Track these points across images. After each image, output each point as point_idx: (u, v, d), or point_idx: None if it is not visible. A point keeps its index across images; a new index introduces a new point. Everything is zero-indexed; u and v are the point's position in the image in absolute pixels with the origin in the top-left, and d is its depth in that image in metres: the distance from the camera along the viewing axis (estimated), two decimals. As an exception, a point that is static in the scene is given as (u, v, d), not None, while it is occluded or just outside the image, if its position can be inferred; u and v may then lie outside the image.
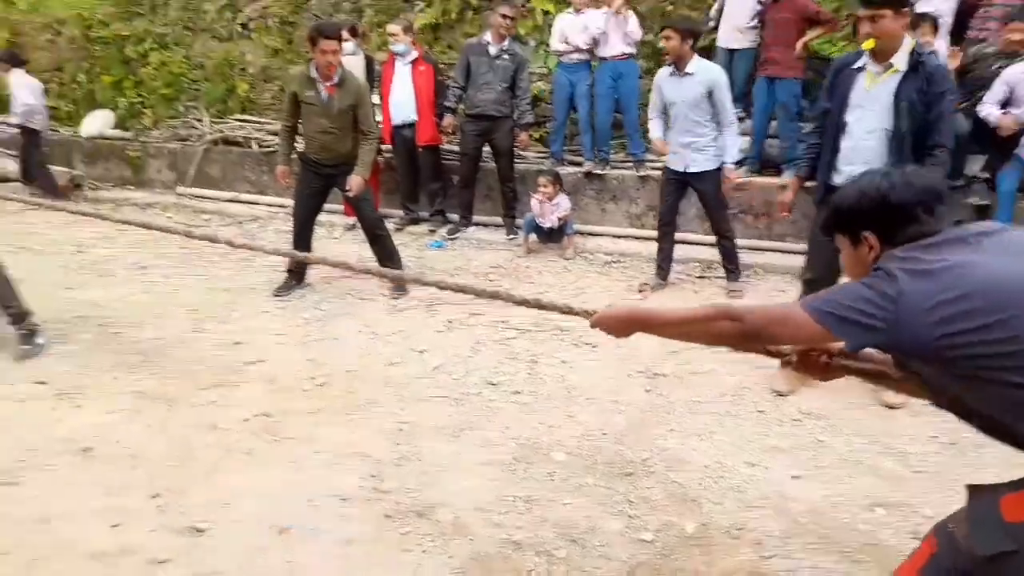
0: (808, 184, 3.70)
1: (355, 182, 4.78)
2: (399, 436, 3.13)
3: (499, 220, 6.33)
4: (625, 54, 6.12)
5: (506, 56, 6.00)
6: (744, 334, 1.58)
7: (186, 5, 8.92)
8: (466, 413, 3.33)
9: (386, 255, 5.03)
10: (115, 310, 4.60)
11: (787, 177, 5.37)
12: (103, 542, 2.46)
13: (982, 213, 4.88)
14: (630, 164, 6.28)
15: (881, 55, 3.20)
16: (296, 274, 5.02)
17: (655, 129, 4.87)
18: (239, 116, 8.21)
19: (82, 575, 2.32)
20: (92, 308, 4.59)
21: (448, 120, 6.24)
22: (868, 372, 1.75)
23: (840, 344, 1.63)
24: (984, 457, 2.77)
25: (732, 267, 4.92)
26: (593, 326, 1.90)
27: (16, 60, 7.61)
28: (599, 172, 6.23)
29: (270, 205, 7.09)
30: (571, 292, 4.94)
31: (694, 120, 4.58)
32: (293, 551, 2.42)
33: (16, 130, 7.50)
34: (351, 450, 3.02)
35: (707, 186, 4.70)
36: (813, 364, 1.79)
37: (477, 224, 6.43)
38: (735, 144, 4.67)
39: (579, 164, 6.37)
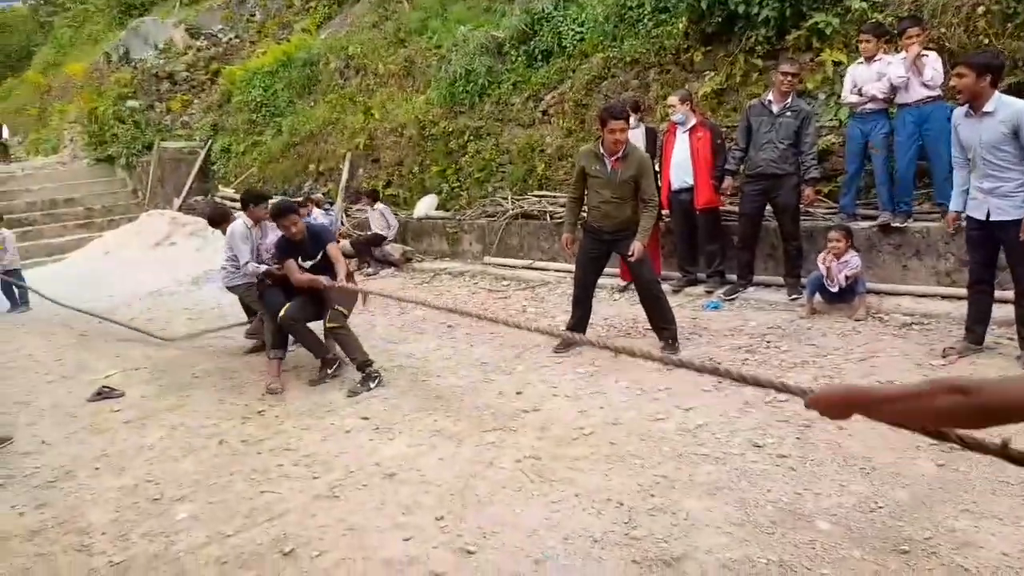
0: None
1: (636, 248, 5.00)
2: (655, 488, 3.19)
3: (781, 280, 6.07)
4: (929, 98, 5.61)
5: (789, 113, 5.86)
6: (974, 409, 1.33)
7: (497, 100, 10.21)
8: (726, 472, 3.27)
9: (660, 316, 5.15)
10: (425, 361, 5.39)
11: None
12: (395, 551, 2.91)
13: None
14: (936, 215, 5.62)
15: None
16: (575, 331, 5.37)
17: (957, 183, 4.41)
18: (536, 192, 9.08)
19: (375, 576, 2.77)
20: (407, 359, 5.44)
21: (727, 182, 6.25)
22: None
23: None
24: None
25: None
26: (808, 407, 1.68)
27: (376, 196, 9.97)
28: (898, 225, 5.68)
29: (558, 271, 7.66)
30: (858, 356, 4.55)
31: (996, 163, 4.03)
32: (544, 581, 2.62)
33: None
34: (607, 496, 3.15)
35: (1012, 237, 4.07)
36: None
37: (757, 284, 6.24)
38: None
39: (873, 219, 5.88)
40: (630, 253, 5.01)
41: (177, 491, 3.61)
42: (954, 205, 4.50)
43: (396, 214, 10.13)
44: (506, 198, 9.27)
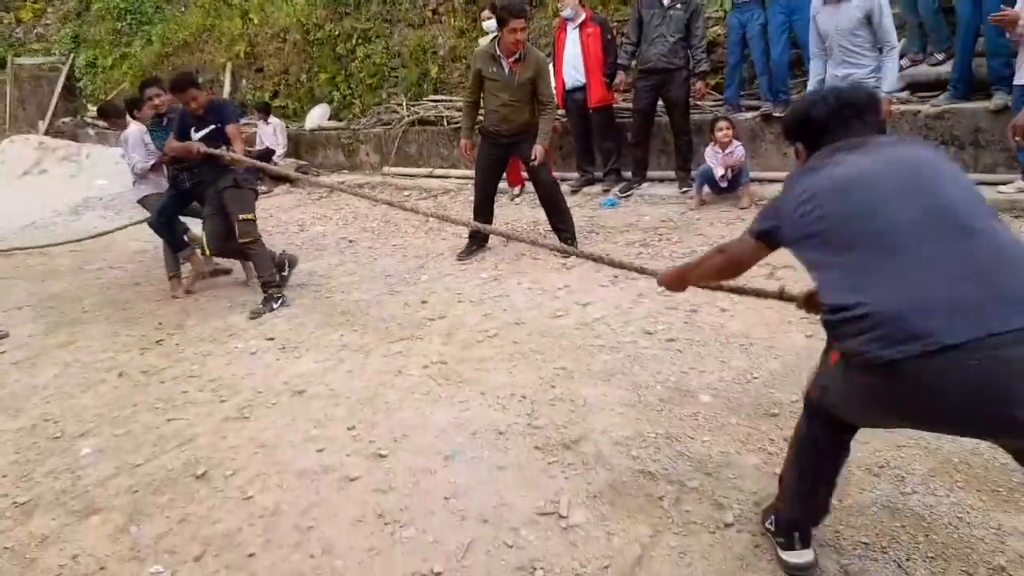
0: None
1: (537, 151, 5.00)
2: (555, 380, 3.37)
3: (673, 175, 6.28)
4: (798, -13, 5.73)
5: (680, 5, 5.88)
6: (730, 264, 1.85)
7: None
8: (620, 359, 3.49)
9: (559, 218, 5.25)
10: (327, 278, 5.35)
11: (1001, 99, 4.78)
12: (309, 462, 2.98)
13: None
14: (813, 103, 5.89)
15: None
16: (477, 239, 5.43)
17: (813, 73, 4.62)
18: (432, 97, 8.86)
19: (291, 488, 2.84)
20: (309, 277, 5.39)
21: (620, 77, 6.28)
22: None
23: None
24: None
25: None
26: (659, 284, 2.29)
27: (268, 110, 9.54)
28: (779, 115, 5.92)
29: (459, 178, 7.63)
30: (742, 241, 4.83)
31: (852, 50, 4.26)
32: (455, 473, 2.76)
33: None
34: (511, 392, 3.31)
35: None
36: (814, 303, 2.00)
37: (652, 180, 6.43)
38: (894, 71, 4.30)
39: (756, 109, 6.11)
40: (532, 157, 5.01)
41: (79, 427, 3.53)
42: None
43: (287, 127, 9.71)
44: (401, 104, 9.02)
